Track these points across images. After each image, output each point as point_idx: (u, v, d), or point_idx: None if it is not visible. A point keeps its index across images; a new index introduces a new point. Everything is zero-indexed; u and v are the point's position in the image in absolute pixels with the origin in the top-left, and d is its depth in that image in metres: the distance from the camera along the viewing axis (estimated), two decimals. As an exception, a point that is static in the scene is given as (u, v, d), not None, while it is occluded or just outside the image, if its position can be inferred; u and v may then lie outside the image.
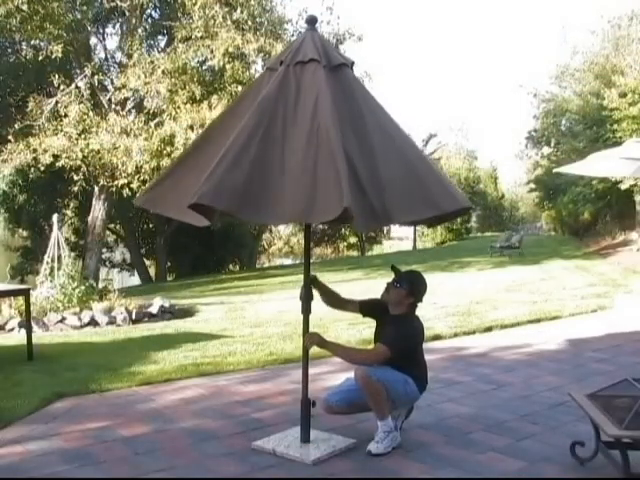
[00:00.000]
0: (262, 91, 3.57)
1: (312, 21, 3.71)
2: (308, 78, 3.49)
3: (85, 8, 15.32)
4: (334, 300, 4.09)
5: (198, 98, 14.06)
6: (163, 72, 13.84)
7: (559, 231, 34.97)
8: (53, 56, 13.99)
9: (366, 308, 4.03)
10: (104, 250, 22.38)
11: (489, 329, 7.85)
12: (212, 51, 14.09)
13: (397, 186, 3.38)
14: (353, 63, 3.75)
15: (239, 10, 14.08)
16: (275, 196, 3.19)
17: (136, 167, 14.17)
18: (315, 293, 3.88)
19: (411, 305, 3.79)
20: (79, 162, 14.68)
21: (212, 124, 4.36)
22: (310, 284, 3.82)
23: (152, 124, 14.58)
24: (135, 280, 25.58)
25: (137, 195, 4.92)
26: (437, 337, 7.18)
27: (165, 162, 14.14)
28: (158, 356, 6.37)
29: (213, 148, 3.44)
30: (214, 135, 3.69)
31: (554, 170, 11.55)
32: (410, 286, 3.76)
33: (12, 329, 8.35)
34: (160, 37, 19.59)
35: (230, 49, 13.72)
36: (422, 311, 3.90)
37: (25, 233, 25.18)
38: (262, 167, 3.24)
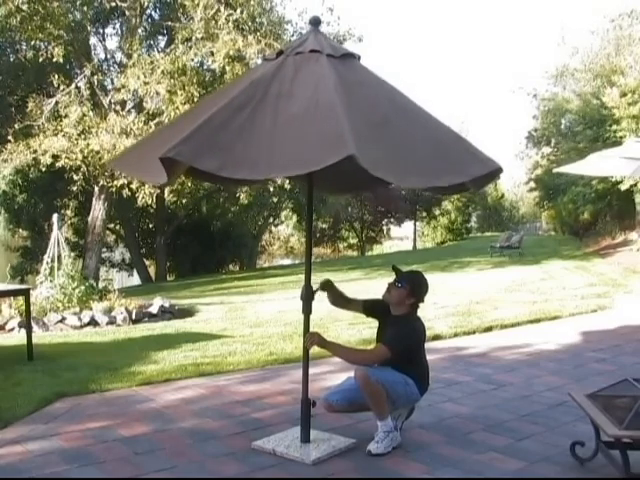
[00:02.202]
0: (257, 74, 3.45)
1: (316, 22, 3.63)
2: (310, 63, 3.35)
3: (85, 8, 15.32)
4: (340, 300, 4.09)
5: (196, 100, 14.05)
6: (163, 73, 13.83)
7: (559, 231, 34.98)
8: (54, 59, 13.98)
9: (369, 308, 4.03)
10: (104, 250, 22.39)
11: (489, 329, 7.85)
12: (213, 54, 14.08)
13: (420, 153, 3.20)
14: (360, 57, 3.66)
15: (239, 10, 14.06)
16: (263, 153, 2.95)
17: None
18: (316, 294, 3.87)
19: (412, 305, 3.78)
20: (79, 162, 14.68)
21: (200, 102, 4.28)
22: (323, 287, 3.81)
23: (152, 124, 14.57)
24: (135, 280, 25.59)
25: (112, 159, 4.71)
26: (437, 337, 7.17)
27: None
28: (158, 356, 6.37)
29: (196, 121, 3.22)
30: (200, 110, 3.55)
31: (554, 170, 11.55)
32: (411, 286, 3.76)
33: (12, 329, 8.35)
34: (160, 37, 19.61)
35: (231, 52, 13.70)
36: (422, 311, 3.90)
37: (25, 233, 25.19)
38: (250, 131, 3.05)
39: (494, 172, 3.40)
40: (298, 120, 3.08)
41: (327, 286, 3.93)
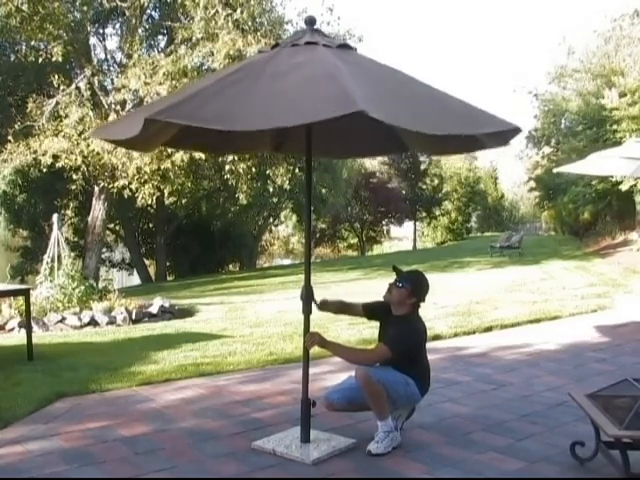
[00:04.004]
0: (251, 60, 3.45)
1: (311, 22, 3.61)
2: (306, 51, 3.32)
3: (85, 8, 15.30)
4: (340, 308, 4.09)
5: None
6: (164, 74, 13.81)
7: (559, 231, 34.98)
8: (54, 59, 13.97)
9: (369, 310, 4.02)
10: (104, 250, 22.38)
11: (489, 329, 7.85)
12: (213, 54, 14.06)
13: (432, 112, 3.15)
14: (356, 49, 3.67)
15: (239, 10, 14.05)
16: (260, 108, 2.87)
17: (137, 168, 14.18)
18: (316, 294, 3.87)
19: (414, 305, 3.78)
20: (79, 162, 14.68)
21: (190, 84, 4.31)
22: (321, 308, 3.83)
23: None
24: (134, 279, 25.60)
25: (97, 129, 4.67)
26: (437, 337, 7.18)
27: (165, 164, 14.16)
28: (158, 356, 6.37)
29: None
30: (190, 88, 3.56)
31: (555, 170, 11.55)
32: (412, 286, 3.76)
33: (12, 329, 8.35)
34: (160, 37, 19.60)
35: (231, 52, 13.68)
36: (422, 311, 3.89)
37: (25, 233, 25.18)
38: (245, 97, 2.97)
39: (512, 130, 3.30)
40: (298, 87, 3.01)
41: (324, 307, 3.93)
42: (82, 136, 14.52)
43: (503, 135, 3.38)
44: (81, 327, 8.74)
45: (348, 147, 4.69)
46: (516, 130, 3.32)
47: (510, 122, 3.31)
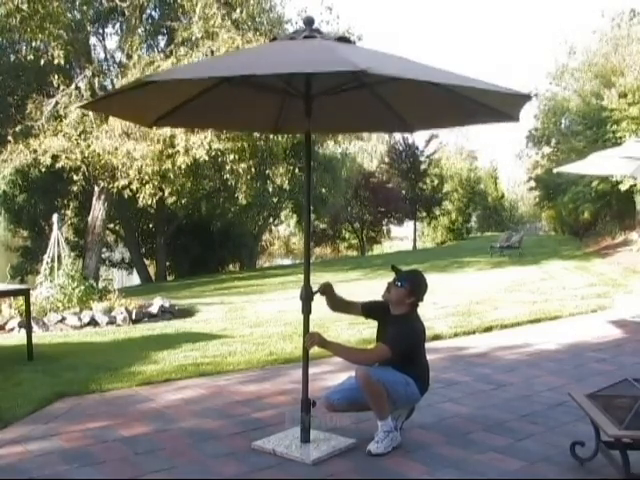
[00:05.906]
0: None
1: (309, 22, 3.61)
2: (305, 41, 3.36)
3: (85, 8, 15.30)
4: (339, 304, 4.09)
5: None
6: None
7: (559, 231, 34.97)
8: (55, 62, 13.97)
9: (368, 310, 4.02)
10: (104, 250, 22.38)
11: (489, 329, 7.85)
12: (212, 52, 14.06)
13: (429, 73, 3.15)
14: (355, 43, 3.73)
15: (238, 10, 14.05)
16: (264, 60, 3.08)
17: (137, 169, 14.18)
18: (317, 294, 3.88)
19: (412, 305, 3.78)
20: (79, 163, 14.67)
21: None
22: (323, 291, 3.83)
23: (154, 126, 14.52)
24: (134, 279, 25.60)
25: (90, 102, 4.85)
26: (437, 337, 7.17)
27: (166, 165, 14.16)
28: (158, 356, 6.37)
29: None
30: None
31: (554, 170, 11.57)
32: (411, 285, 3.76)
33: (12, 329, 8.35)
34: (160, 37, 19.60)
35: (231, 50, 13.68)
36: (422, 311, 3.90)
37: (25, 233, 25.19)
38: (245, 60, 3.17)
39: (519, 95, 3.22)
40: (302, 52, 3.11)
41: (327, 289, 3.91)
42: (82, 136, 14.51)
43: (509, 101, 3.29)
44: (81, 327, 8.74)
45: (347, 122, 4.76)
46: (524, 97, 3.21)
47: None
